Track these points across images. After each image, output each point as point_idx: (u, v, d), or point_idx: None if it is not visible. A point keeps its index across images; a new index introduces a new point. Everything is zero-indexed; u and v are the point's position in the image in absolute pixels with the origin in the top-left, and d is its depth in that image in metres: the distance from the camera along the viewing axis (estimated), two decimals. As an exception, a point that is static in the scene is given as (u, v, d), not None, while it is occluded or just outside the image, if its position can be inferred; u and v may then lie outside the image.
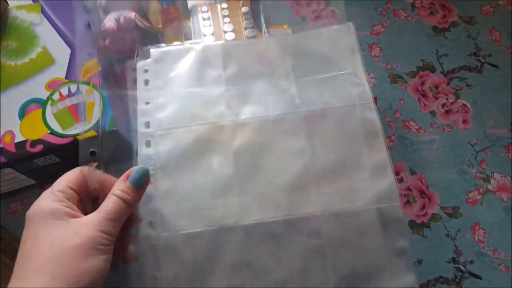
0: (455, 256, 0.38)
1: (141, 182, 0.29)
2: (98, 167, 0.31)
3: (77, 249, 0.25)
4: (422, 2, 0.48)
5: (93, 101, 0.34)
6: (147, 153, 0.33)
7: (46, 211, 0.26)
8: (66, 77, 0.35)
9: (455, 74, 0.45)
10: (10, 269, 0.34)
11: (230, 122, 0.34)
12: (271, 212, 0.32)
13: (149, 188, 0.32)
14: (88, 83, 0.34)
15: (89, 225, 0.25)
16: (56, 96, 0.34)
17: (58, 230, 0.25)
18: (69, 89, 0.34)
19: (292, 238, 0.31)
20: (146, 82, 0.36)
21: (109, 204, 0.27)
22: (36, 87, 0.34)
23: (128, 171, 0.29)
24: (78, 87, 0.34)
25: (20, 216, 0.37)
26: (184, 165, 0.33)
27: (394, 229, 0.32)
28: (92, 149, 0.32)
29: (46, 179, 0.37)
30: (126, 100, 0.36)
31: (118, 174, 0.38)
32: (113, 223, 0.26)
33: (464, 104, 0.43)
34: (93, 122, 0.33)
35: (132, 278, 0.35)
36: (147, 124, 0.34)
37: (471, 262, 0.37)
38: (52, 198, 0.26)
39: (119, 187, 0.28)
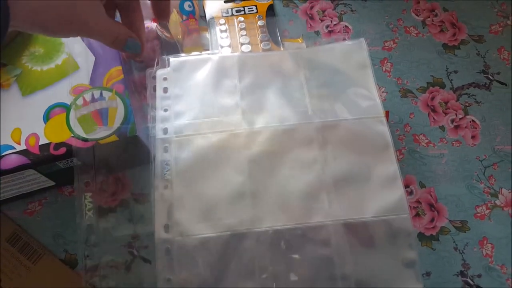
0: (463, 269, 0.38)
1: (129, 49, 0.34)
2: None
3: None
4: (432, 20, 0.49)
5: (116, 107, 0.35)
6: (165, 159, 0.34)
7: None
8: (90, 83, 0.36)
9: (464, 90, 0.46)
10: (29, 269, 0.36)
11: (245, 130, 0.35)
12: (283, 220, 0.32)
13: (166, 193, 0.33)
14: (111, 90, 0.36)
15: None
16: (80, 101, 0.35)
17: None
18: (92, 95, 0.35)
19: (302, 246, 0.32)
20: (165, 89, 0.37)
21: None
22: (60, 92, 0.35)
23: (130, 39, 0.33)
24: (101, 93, 0.35)
25: (38, 217, 0.38)
26: (200, 171, 0.34)
27: (403, 241, 0.32)
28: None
29: (65, 181, 0.38)
30: (145, 107, 0.37)
31: (136, 179, 0.39)
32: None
33: (473, 120, 0.44)
34: (115, 127, 0.34)
35: (146, 280, 0.36)
36: (165, 131, 0.35)
37: (479, 276, 0.38)
38: None
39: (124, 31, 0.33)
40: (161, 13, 0.36)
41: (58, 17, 0.28)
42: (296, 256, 0.32)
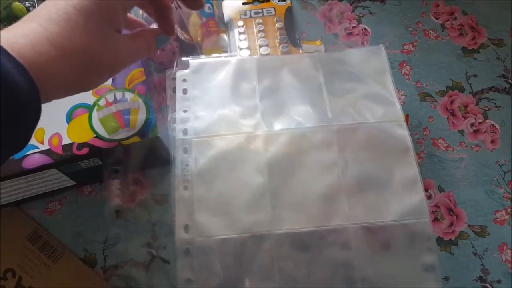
0: (482, 275, 0.38)
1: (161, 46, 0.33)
2: None
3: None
4: (452, 24, 0.49)
5: (138, 108, 0.35)
6: (184, 160, 0.34)
7: None
8: (112, 85, 0.36)
9: (484, 94, 0.45)
10: (49, 267, 0.36)
11: (264, 133, 0.35)
12: (302, 222, 0.32)
13: (186, 193, 0.33)
14: (133, 91, 0.36)
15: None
16: (102, 102, 0.35)
17: None
18: (115, 96, 0.36)
19: (321, 249, 0.32)
20: (185, 91, 0.37)
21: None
22: (83, 93, 0.36)
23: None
24: (123, 94, 0.36)
25: (58, 216, 0.39)
26: (219, 172, 0.34)
27: (423, 245, 0.32)
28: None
29: (86, 180, 0.39)
30: (164, 108, 0.38)
31: (156, 179, 0.39)
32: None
33: (492, 125, 0.44)
34: (137, 128, 0.34)
35: (165, 280, 0.36)
36: (185, 132, 0.35)
37: (499, 281, 0.37)
38: None
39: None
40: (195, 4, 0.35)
41: (87, 79, 0.27)
42: (315, 258, 0.32)
